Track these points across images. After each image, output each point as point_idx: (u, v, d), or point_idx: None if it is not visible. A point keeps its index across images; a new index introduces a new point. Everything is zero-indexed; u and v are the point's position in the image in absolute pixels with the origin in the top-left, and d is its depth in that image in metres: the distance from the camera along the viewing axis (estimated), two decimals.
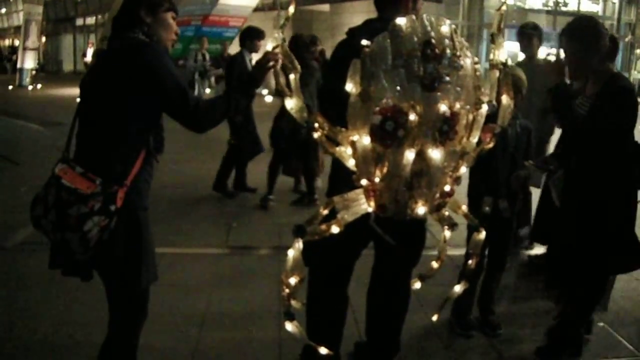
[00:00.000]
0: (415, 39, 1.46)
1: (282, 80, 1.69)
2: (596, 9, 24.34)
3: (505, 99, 1.67)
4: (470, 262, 1.93)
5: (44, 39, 25.96)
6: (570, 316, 2.90)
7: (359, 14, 15.10)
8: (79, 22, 30.79)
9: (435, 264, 1.94)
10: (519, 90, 2.87)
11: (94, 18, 28.96)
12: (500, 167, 3.00)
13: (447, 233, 1.82)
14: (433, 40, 1.46)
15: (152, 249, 2.15)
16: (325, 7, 19.97)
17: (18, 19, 31.80)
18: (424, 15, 1.50)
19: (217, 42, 13.14)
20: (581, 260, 2.72)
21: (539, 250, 4.27)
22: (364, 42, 1.47)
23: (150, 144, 2.09)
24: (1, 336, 2.99)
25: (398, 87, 1.44)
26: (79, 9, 30.93)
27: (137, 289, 2.12)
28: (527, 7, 23.65)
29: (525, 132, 3.09)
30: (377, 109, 1.44)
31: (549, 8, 23.30)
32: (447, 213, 1.74)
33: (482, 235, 1.84)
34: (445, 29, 1.49)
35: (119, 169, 1.98)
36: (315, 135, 1.59)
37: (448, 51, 1.47)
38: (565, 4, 23.40)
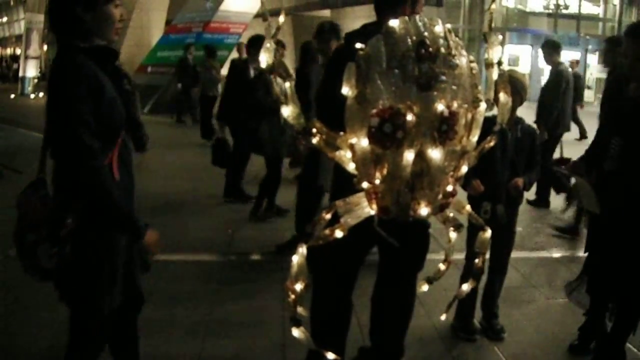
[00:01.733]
0: (409, 39, 1.46)
1: (277, 88, 1.68)
2: (597, 11, 24.38)
3: (502, 96, 1.66)
4: (477, 260, 1.90)
5: (45, 47, 25.99)
6: (617, 333, 2.83)
7: (360, 20, 15.08)
8: None
9: (442, 267, 1.93)
10: (517, 92, 2.85)
11: None
12: (499, 171, 2.98)
13: (453, 235, 1.80)
14: (427, 40, 1.45)
15: (113, 271, 1.92)
16: (326, 12, 20.03)
17: (19, 28, 31.94)
18: (417, 17, 1.50)
19: (219, 48, 13.08)
20: (627, 268, 2.65)
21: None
22: (358, 45, 1.48)
23: (115, 160, 1.88)
24: (4, 345, 2.99)
25: (394, 88, 1.44)
26: None
27: (95, 317, 1.93)
28: (528, 10, 23.72)
29: (528, 137, 3.05)
30: (374, 111, 1.43)
31: (550, 11, 23.35)
32: (451, 214, 1.73)
33: (488, 233, 1.82)
34: (438, 28, 1.49)
35: (71, 189, 1.81)
36: (314, 140, 1.58)
37: (442, 50, 1.47)
38: (566, 7, 23.43)
